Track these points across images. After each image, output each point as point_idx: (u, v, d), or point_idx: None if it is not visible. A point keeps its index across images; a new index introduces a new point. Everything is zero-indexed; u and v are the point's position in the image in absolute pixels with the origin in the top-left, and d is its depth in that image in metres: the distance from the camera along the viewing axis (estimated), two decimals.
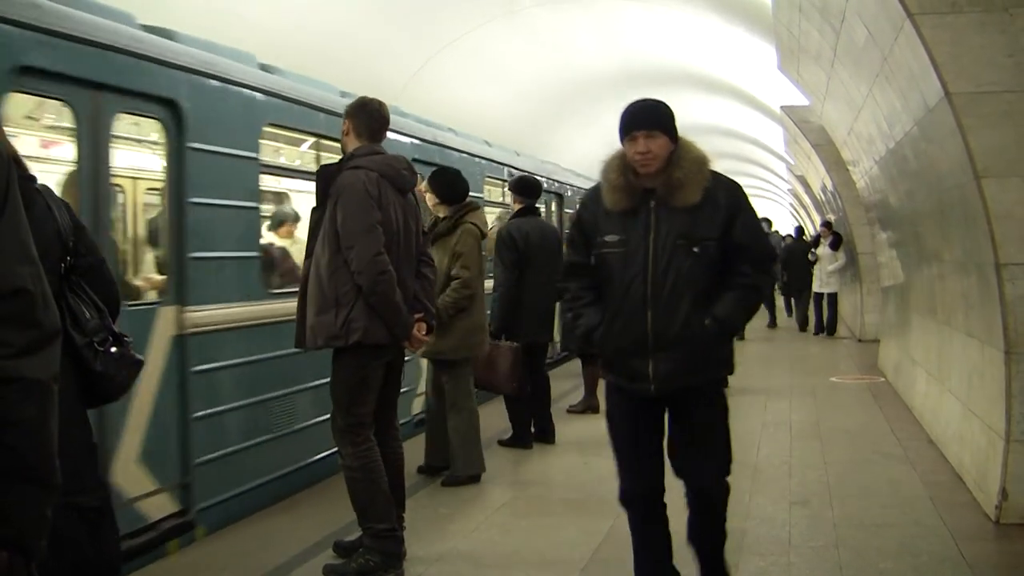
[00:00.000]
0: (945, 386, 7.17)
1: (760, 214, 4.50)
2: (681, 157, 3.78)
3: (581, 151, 20.06)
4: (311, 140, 7.45)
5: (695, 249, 3.72)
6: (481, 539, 5.34)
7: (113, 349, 3.25)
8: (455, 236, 6.43)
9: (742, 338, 16.90)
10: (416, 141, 8.54)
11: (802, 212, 31.84)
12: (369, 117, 4.88)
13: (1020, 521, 5.31)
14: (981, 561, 4.86)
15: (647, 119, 3.79)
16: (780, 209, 41.13)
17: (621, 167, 3.80)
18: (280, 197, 8.51)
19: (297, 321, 4.79)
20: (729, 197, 3.81)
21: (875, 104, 7.86)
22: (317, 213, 4.77)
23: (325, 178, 4.75)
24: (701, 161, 3.79)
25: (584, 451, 7.45)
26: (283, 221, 7.85)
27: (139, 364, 3.46)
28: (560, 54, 15.55)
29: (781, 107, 15.01)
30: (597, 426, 8.59)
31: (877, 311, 13.82)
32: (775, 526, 5.47)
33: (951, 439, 6.81)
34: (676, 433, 3.96)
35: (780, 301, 20.42)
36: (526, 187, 7.97)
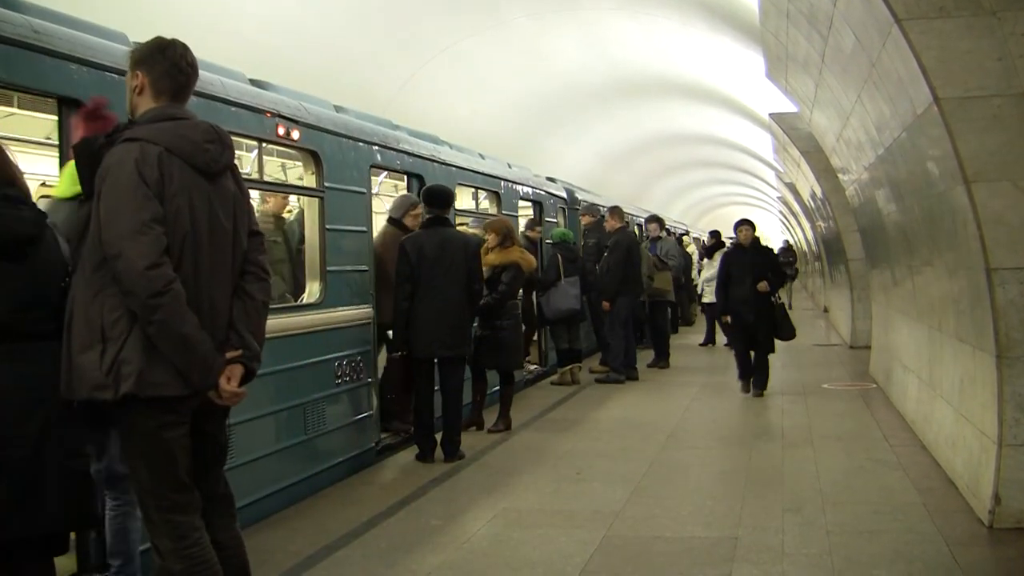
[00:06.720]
0: (937, 392, 7.16)
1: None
2: None
3: (572, 161, 20.09)
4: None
5: None
6: (473, 550, 5.30)
7: None
8: None
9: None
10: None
11: (792, 220, 31.92)
12: (172, 66, 3.47)
13: (1014, 526, 5.30)
14: (975, 567, 4.85)
15: None
16: (770, 217, 41.22)
17: None
18: None
19: (63, 364, 3.41)
20: None
21: (864, 110, 7.87)
22: (85, 208, 3.52)
23: (90, 156, 3.42)
24: None
25: (575, 462, 7.43)
26: None
27: None
28: (548, 64, 15.57)
29: (769, 115, 15.05)
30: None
31: (867, 317, 13.82)
32: (768, 534, 5.44)
33: (943, 445, 6.80)
34: None
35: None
36: (432, 196, 7.64)
